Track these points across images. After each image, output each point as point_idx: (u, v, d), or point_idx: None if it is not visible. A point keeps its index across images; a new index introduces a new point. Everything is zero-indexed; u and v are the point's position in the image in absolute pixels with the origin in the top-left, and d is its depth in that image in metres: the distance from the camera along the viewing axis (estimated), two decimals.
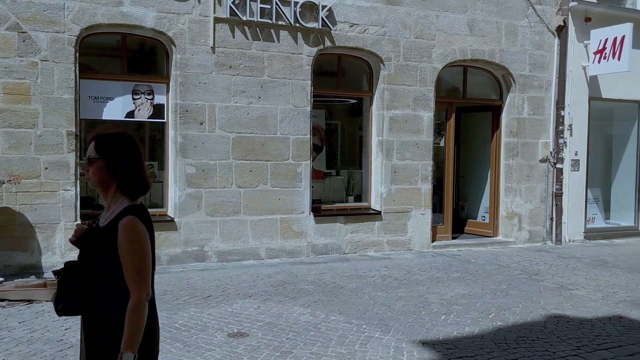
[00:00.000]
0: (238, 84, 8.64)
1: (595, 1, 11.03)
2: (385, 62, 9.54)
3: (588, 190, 11.49)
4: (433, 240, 10.18)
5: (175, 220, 8.39)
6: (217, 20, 8.47)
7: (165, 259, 8.30)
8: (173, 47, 8.35)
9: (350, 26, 9.26)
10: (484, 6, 10.19)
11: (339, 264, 8.69)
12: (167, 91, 8.53)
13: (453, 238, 10.73)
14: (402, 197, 9.79)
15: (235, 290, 7.01)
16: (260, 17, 8.66)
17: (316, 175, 9.73)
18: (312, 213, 9.22)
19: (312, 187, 9.29)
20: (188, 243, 8.45)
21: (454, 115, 10.68)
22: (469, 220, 11.55)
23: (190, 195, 8.45)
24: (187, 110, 8.39)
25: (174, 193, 8.45)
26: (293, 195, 9.05)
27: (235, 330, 5.49)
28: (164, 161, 8.68)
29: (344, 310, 6.22)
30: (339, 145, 10.87)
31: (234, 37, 8.60)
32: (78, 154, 7.88)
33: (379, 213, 9.67)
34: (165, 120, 8.59)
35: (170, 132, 8.52)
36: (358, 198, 10.11)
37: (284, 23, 8.83)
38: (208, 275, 7.83)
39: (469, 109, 11.32)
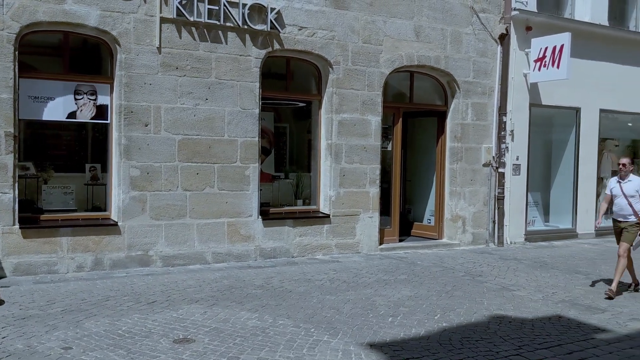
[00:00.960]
0: (184, 85, 8.51)
1: (536, 11, 11.40)
2: (334, 66, 9.59)
3: (529, 193, 11.85)
4: (381, 243, 10.29)
5: (118, 224, 8.18)
6: (163, 20, 8.31)
7: (108, 264, 8.08)
8: (117, 46, 8.15)
9: (299, 29, 9.27)
10: (429, 13, 10.39)
11: (287, 268, 8.66)
12: (111, 92, 8.31)
13: (400, 241, 10.87)
14: (350, 200, 9.86)
15: (181, 296, 6.88)
16: (208, 18, 8.55)
17: (264, 178, 9.67)
18: (260, 216, 9.16)
19: (261, 190, 9.24)
20: (132, 247, 8.25)
21: (401, 120, 10.84)
22: (415, 223, 11.73)
23: (134, 199, 8.25)
24: (131, 112, 8.19)
25: (118, 196, 8.23)
26: (241, 198, 8.96)
27: (180, 336, 5.39)
28: (107, 163, 8.45)
29: (292, 314, 6.20)
30: (287, 148, 10.84)
31: (180, 38, 8.46)
32: (17, 155, 7.59)
33: (328, 216, 9.70)
34: (108, 122, 8.36)
35: (114, 134, 8.30)
36: (307, 201, 10.11)
37: (232, 25, 8.75)
38: (153, 280, 7.66)
39: (416, 114, 11.50)
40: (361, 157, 9.93)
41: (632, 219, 7.57)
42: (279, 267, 8.67)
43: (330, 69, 9.61)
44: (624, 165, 7.69)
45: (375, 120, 10.02)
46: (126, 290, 7.05)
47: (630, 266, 7.76)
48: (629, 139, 14.81)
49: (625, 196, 7.59)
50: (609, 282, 7.88)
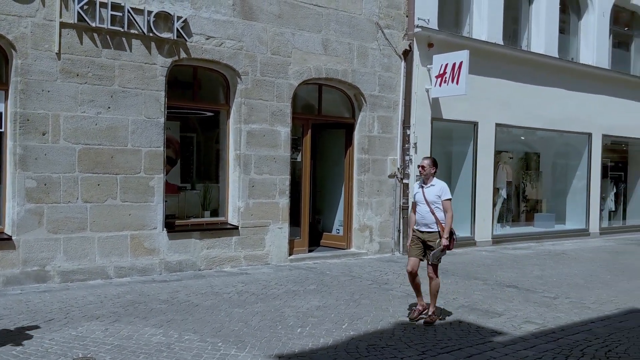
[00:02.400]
0: (86, 93, 8.17)
1: (437, 29, 11.92)
2: (242, 76, 9.55)
3: None
4: (290, 254, 10.32)
5: (13, 238, 7.70)
6: (63, 25, 7.95)
7: (1, 281, 7.58)
8: (13, 51, 7.71)
9: (207, 39, 9.17)
10: (337, 27, 10.60)
11: (194, 281, 8.48)
12: (6, 98, 7.83)
13: (309, 251, 10.95)
14: (260, 211, 9.82)
15: (81, 312, 6.57)
16: (111, 25, 8.28)
17: (170, 189, 9.45)
18: (165, 229, 8.93)
19: (166, 201, 9.01)
20: (27, 263, 7.78)
21: (310, 131, 10.96)
22: (324, 233, 11.87)
23: (30, 211, 7.80)
24: (28, 120, 7.76)
25: (12, 209, 7.75)
26: (145, 210, 8.70)
27: (80, 355, 5.13)
28: (1, 174, 7.94)
29: (199, 329, 6.07)
30: (195, 159, 10.66)
31: (82, 44, 8.13)
32: None
33: (236, 228, 9.61)
34: (2, 130, 7.87)
35: (9, 143, 7.82)
36: (215, 213, 9.97)
37: (136, 32, 8.51)
38: (50, 297, 7.26)
39: (325, 125, 11.68)
40: (271, 167, 9.93)
41: (435, 228, 6.69)
42: (185, 281, 8.48)
43: (238, 79, 9.57)
44: (422, 167, 6.86)
45: (284, 131, 10.07)
46: (21, 308, 6.64)
47: (419, 287, 6.88)
48: (522, 151, 15.81)
49: (427, 202, 6.70)
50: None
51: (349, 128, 11.41)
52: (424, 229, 6.77)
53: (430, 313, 6.71)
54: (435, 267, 6.78)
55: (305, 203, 10.93)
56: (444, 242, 6.63)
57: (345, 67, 10.76)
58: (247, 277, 8.89)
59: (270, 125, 9.90)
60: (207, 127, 10.59)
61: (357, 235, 11.33)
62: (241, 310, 6.89)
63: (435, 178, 6.89)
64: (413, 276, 6.81)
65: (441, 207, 6.74)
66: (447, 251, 6.78)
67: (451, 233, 6.73)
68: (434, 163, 6.97)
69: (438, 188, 6.79)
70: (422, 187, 6.88)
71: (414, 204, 6.97)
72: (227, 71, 9.59)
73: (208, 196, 10.06)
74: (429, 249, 6.73)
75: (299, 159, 11.23)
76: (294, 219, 10.67)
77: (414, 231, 6.89)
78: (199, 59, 9.20)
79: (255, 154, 9.76)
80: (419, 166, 7.04)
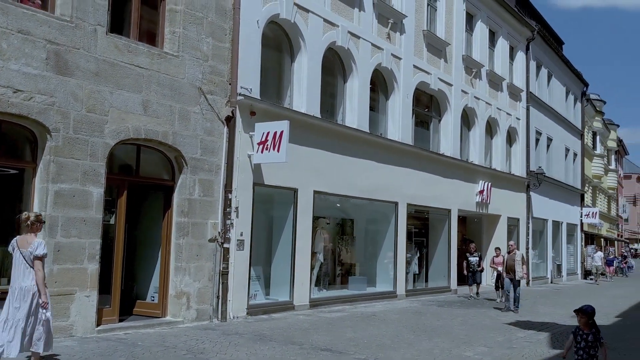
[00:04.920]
0: None
1: (259, 98, 12.34)
2: (52, 133, 8.96)
3: (251, 268, 12.35)
4: (99, 324, 9.58)
5: None
6: None
7: None
8: None
9: (14, 92, 8.51)
10: (158, 89, 10.49)
11: None
12: None
13: (121, 320, 10.26)
14: (65, 277, 9.06)
15: None
16: None
17: None
18: None
19: None
20: None
21: (126, 192, 10.50)
22: (138, 301, 11.25)
23: None
24: None
25: None
26: None
27: None
28: None
29: None
30: None
31: None
32: None
33: None
34: None
35: None
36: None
37: None
38: None
39: (143, 187, 11.28)
40: (80, 230, 9.29)
41: None
42: None
43: (48, 135, 8.95)
44: None
45: (97, 192, 9.54)
46: None
47: None
48: (339, 217, 16.65)
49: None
50: None
51: (169, 190, 11.16)
52: None
53: None
54: None
55: (117, 269, 10.31)
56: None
57: (166, 128, 10.62)
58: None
59: (82, 185, 9.34)
60: (9, 185, 9.66)
61: (173, 303, 10.91)
62: None
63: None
64: None
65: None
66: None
67: None
68: None
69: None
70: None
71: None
72: (36, 127, 8.94)
73: (6, 261, 9.06)
74: None
75: (112, 222, 10.65)
76: (105, 286, 9.99)
77: None
78: (4, 113, 8.47)
79: (63, 216, 9.08)
80: None
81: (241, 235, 11.92)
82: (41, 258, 7.00)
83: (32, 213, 7.41)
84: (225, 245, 11.56)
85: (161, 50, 10.78)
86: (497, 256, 17.85)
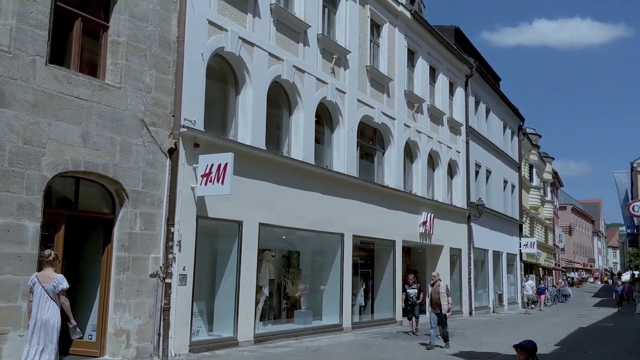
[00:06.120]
0: None
1: (203, 130, 12.26)
2: None
3: (194, 303, 12.06)
4: None
5: None
6: None
7: None
8: None
9: None
10: (99, 121, 10.28)
11: None
12: None
13: None
14: None
15: None
16: None
17: None
18: None
19: None
20: None
21: (64, 227, 10.15)
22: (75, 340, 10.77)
23: None
24: None
25: None
26: None
27: None
28: None
29: None
30: None
31: None
32: None
33: None
34: None
35: None
36: None
37: None
38: None
39: (81, 221, 10.92)
40: (14, 267, 8.89)
41: None
42: None
43: None
44: None
45: (33, 226, 9.18)
46: None
47: None
48: (285, 249, 16.55)
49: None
50: None
51: (109, 224, 10.85)
52: None
53: None
54: None
55: None
56: None
57: (106, 161, 10.38)
58: None
59: (17, 219, 8.97)
60: None
61: (112, 341, 10.52)
62: None
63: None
64: None
65: None
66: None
67: None
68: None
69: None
70: None
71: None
72: None
73: None
74: None
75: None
76: None
77: None
78: None
79: None
80: None
81: (184, 269, 11.67)
82: (65, 291, 8.01)
83: (52, 251, 8.35)
84: (167, 280, 11.28)
85: (103, 81, 10.60)
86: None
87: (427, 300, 15.39)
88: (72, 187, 10.44)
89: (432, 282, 15.26)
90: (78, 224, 10.94)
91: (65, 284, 7.99)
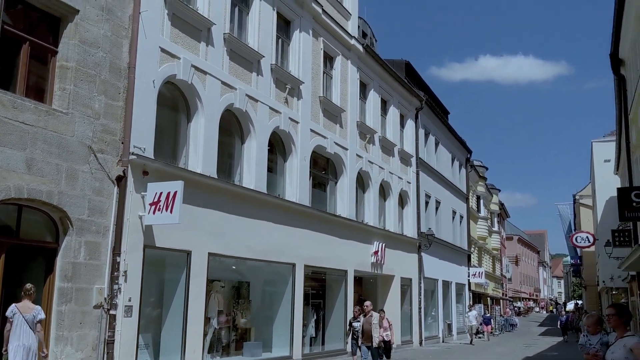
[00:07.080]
0: None
1: (153, 157, 12.06)
2: None
3: (140, 335, 11.70)
4: None
5: None
6: None
7: None
8: None
9: None
10: (44, 147, 10.01)
11: None
12: None
13: None
14: None
15: None
16: None
17: None
18: None
19: None
20: None
21: (4, 255, 9.74)
22: None
23: None
24: None
25: None
26: None
27: None
28: None
29: None
30: None
31: None
32: None
33: None
34: None
35: None
36: None
37: None
38: None
39: (23, 250, 10.50)
40: None
41: None
42: None
43: None
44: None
45: None
46: None
47: None
48: (235, 280, 16.30)
49: None
50: None
51: (52, 253, 10.48)
52: None
53: None
54: None
55: None
56: None
57: (51, 188, 10.08)
58: None
59: None
60: None
61: None
62: None
63: None
64: None
65: None
66: None
67: None
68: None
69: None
70: None
71: None
72: None
73: None
74: None
75: None
76: None
77: None
78: None
79: None
80: None
81: (129, 300, 11.34)
82: (42, 321, 9.10)
83: (32, 285, 9.22)
84: (112, 312, 10.93)
85: (49, 106, 10.35)
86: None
87: (359, 332, 14.96)
88: (15, 215, 10.06)
89: (364, 312, 14.78)
90: (19, 253, 10.51)
91: (42, 315, 9.08)
